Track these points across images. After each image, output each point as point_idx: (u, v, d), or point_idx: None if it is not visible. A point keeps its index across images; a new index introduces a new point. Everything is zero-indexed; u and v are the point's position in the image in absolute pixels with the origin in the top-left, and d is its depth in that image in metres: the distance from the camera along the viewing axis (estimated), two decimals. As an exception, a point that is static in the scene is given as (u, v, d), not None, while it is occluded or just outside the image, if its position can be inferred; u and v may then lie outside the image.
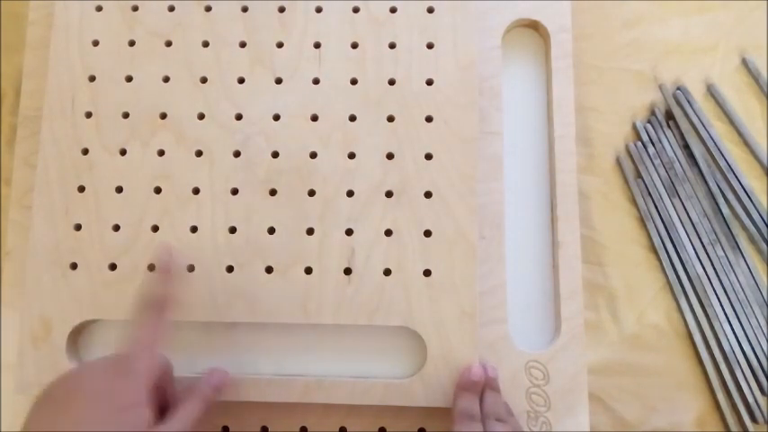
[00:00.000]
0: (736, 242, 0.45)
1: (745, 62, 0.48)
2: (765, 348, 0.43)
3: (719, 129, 0.47)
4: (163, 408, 0.37)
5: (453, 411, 0.38)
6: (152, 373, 0.34)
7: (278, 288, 0.41)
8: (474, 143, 0.42)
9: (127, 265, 0.42)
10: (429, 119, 0.43)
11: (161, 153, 0.43)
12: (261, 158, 0.43)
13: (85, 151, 0.43)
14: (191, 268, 0.42)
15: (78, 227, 0.42)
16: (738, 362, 0.43)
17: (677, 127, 0.47)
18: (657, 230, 0.46)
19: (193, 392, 0.37)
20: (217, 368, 0.40)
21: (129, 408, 0.32)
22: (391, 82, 0.43)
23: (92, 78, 0.44)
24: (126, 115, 0.44)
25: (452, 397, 0.39)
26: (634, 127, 0.48)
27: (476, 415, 0.37)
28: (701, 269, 0.45)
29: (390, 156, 0.42)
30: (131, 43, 0.45)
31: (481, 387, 0.39)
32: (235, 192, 0.43)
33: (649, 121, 0.48)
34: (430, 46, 0.44)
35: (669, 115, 0.48)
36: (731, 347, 0.43)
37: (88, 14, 0.45)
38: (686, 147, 0.47)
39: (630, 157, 0.47)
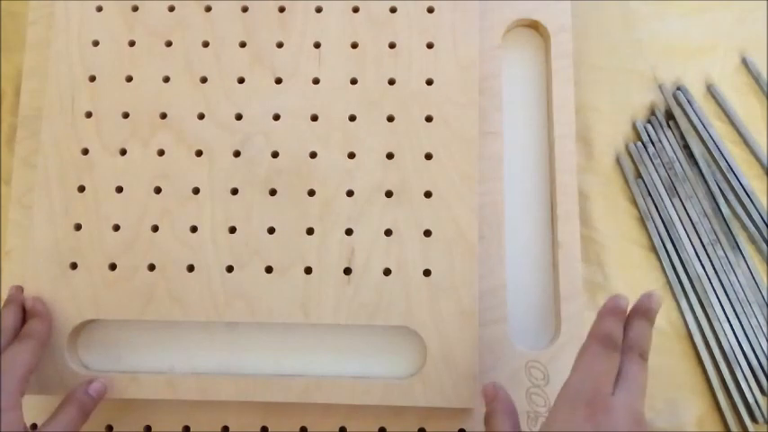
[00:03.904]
0: (736, 242, 0.45)
1: (745, 62, 0.48)
2: (765, 348, 0.43)
3: (719, 129, 0.47)
4: None
5: (589, 334, 0.33)
6: (24, 380, 0.36)
7: (278, 288, 0.41)
8: (474, 143, 0.42)
9: (127, 265, 0.42)
10: (429, 119, 0.43)
11: (161, 153, 0.43)
12: (261, 158, 0.43)
13: (85, 151, 0.43)
14: (190, 268, 0.42)
15: (78, 227, 0.42)
16: (738, 362, 0.43)
17: (677, 127, 0.47)
18: (657, 230, 0.46)
19: (70, 399, 0.38)
20: (97, 379, 0.40)
21: None
22: (391, 82, 0.43)
23: (92, 78, 0.44)
24: (126, 115, 0.44)
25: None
26: (634, 127, 0.48)
27: (617, 341, 0.32)
28: (701, 269, 0.45)
29: (390, 156, 0.42)
30: (131, 43, 0.45)
31: (625, 317, 0.34)
32: (235, 192, 0.43)
33: (649, 121, 0.48)
34: (430, 46, 0.44)
35: (669, 115, 0.48)
36: (731, 347, 0.43)
37: (88, 14, 0.45)
38: (686, 147, 0.47)
39: (630, 157, 0.47)
